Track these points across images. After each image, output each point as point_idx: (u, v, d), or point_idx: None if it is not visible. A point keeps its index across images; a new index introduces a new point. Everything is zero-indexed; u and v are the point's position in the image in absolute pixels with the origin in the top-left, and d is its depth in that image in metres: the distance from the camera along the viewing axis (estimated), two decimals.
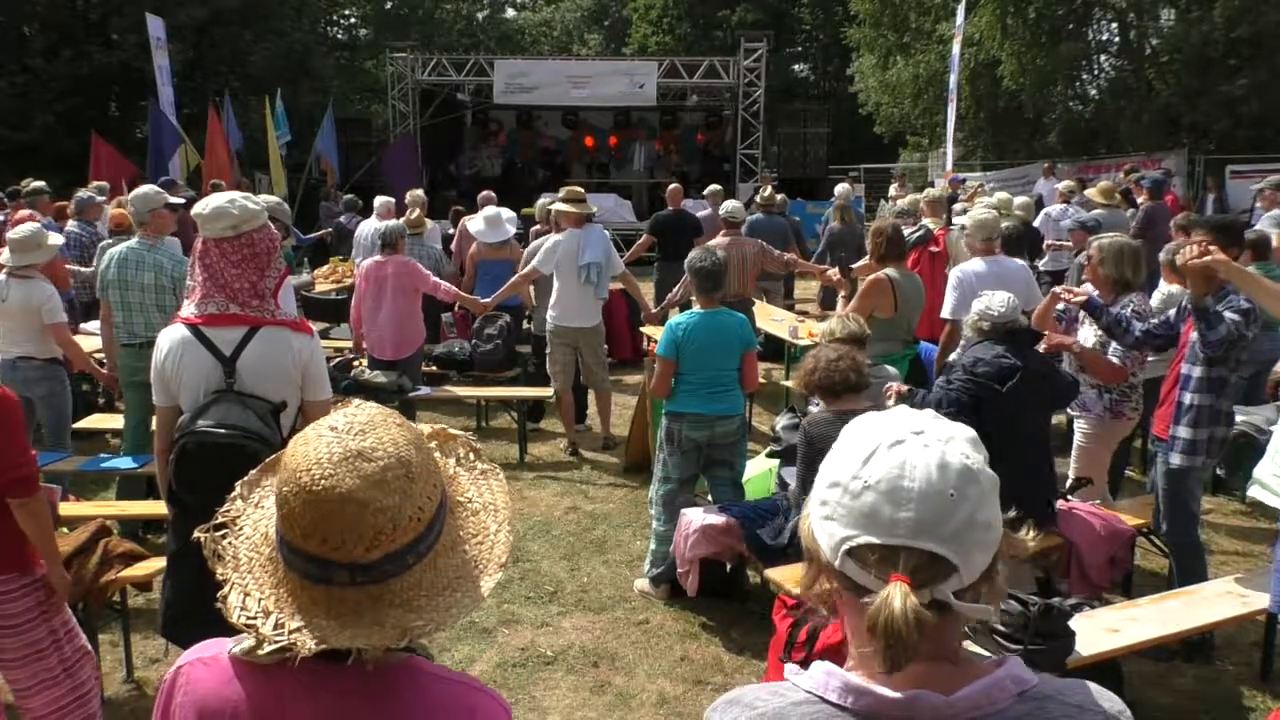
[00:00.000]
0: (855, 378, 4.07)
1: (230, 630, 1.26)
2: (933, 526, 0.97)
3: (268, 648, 1.16)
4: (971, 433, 1.05)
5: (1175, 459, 4.10)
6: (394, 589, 1.18)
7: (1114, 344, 4.57)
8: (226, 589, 1.22)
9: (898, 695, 0.97)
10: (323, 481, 1.15)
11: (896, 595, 0.94)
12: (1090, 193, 10.48)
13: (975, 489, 1.00)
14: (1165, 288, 5.40)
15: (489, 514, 1.34)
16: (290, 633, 1.15)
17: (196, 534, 1.27)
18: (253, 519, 1.30)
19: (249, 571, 1.24)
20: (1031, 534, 1.08)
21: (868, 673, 1.01)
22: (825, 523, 1.04)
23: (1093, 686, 1.07)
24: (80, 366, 5.60)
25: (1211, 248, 3.80)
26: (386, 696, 1.21)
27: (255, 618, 1.18)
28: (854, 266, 7.01)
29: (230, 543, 1.27)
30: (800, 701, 1.03)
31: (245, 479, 1.35)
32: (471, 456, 1.41)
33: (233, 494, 1.34)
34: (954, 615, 0.98)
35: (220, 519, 1.29)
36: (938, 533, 0.97)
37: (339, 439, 1.19)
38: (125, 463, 5.17)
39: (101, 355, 5.75)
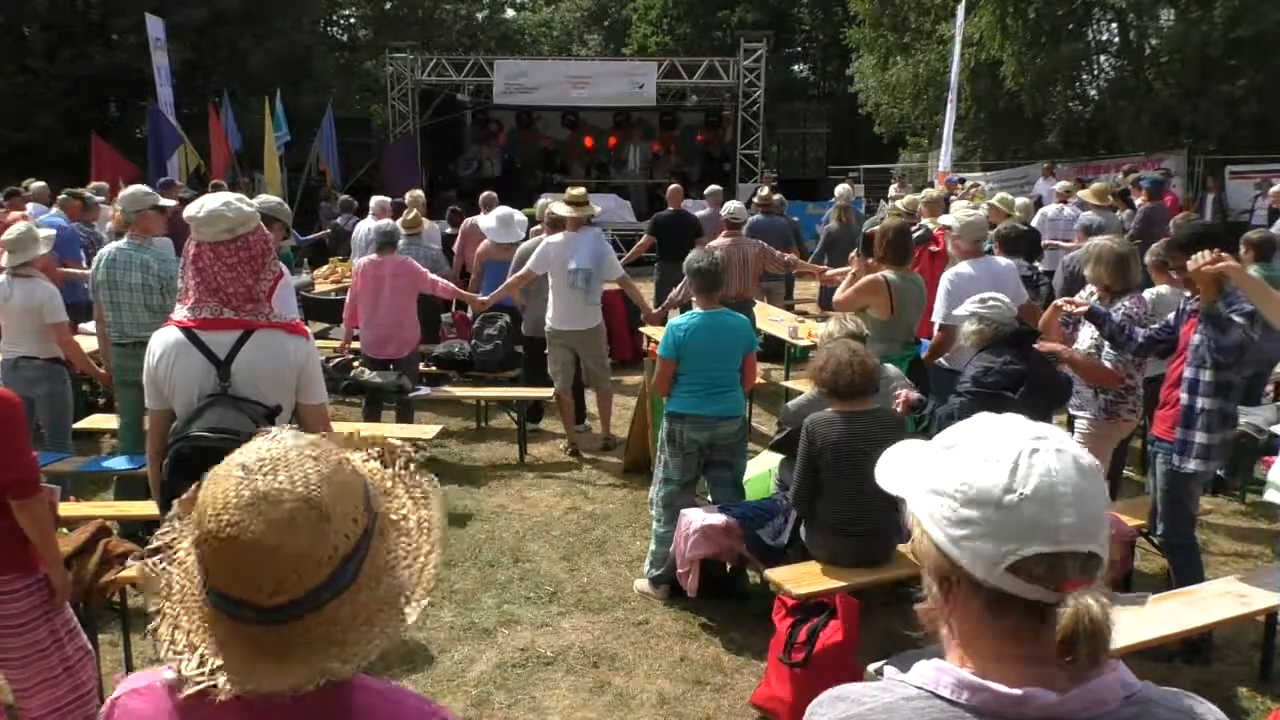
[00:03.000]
0: (863, 382, 4.07)
1: None
2: (1088, 526, 1.00)
3: (188, 689, 1.13)
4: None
5: (1191, 464, 4.09)
6: (309, 625, 1.14)
7: (1107, 347, 4.56)
8: (158, 620, 1.18)
9: (1013, 691, 0.98)
10: (229, 529, 1.11)
11: (1092, 601, 0.97)
12: (1083, 194, 10.51)
13: (1102, 484, 1.04)
14: (1155, 289, 5.41)
15: (422, 533, 1.28)
16: (211, 673, 1.13)
17: (130, 562, 1.26)
18: (187, 544, 1.25)
19: (180, 602, 1.20)
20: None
21: (978, 669, 1.02)
22: (974, 543, 1.00)
23: (1197, 697, 1.08)
24: (80, 366, 5.61)
25: (1224, 254, 3.82)
26: (333, 715, 1.17)
27: (180, 653, 1.15)
28: (870, 261, 6.90)
29: (166, 568, 1.22)
30: (912, 697, 1.03)
31: (182, 498, 1.28)
32: (410, 469, 1.35)
33: (169, 514, 1.29)
34: None
35: (156, 542, 1.25)
36: (1092, 531, 1.00)
37: (248, 479, 1.14)
38: (121, 463, 5.17)
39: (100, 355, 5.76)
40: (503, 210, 8.34)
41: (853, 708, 1.05)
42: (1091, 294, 4.76)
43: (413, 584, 1.23)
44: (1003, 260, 6.03)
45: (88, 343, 6.03)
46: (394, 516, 1.28)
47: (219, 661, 1.14)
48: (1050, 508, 0.98)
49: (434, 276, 6.98)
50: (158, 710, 1.19)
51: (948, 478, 1.04)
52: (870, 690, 1.07)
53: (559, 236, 6.85)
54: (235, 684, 1.11)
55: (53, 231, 5.76)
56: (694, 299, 4.98)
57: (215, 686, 1.12)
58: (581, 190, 7.10)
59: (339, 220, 11.88)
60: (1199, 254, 3.88)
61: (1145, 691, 1.03)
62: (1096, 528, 1.00)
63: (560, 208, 7.01)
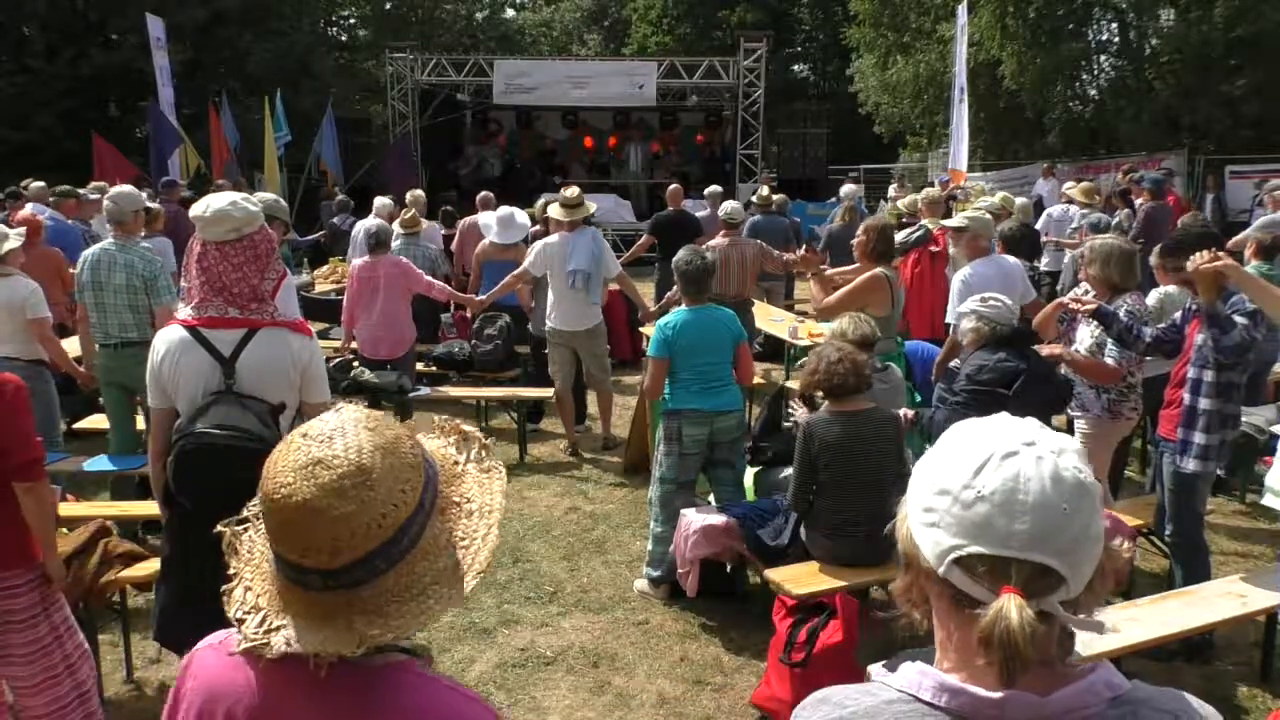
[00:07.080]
0: (854, 380, 4.08)
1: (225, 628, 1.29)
2: (1046, 539, 0.98)
3: (243, 645, 1.20)
4: (1079, 444, 1.06)
5: (1191, 464, 4.10)
6: (365, 595, 1.19)
7: (1109, 345, 4.56)
8: (235, 582, 1.25)
9: (992, 695, 0.98)
10: (281, 490, 1.17)
11: (1013, 609, 0.95)
12: (1071, 192, 10.53)
13: (1087, 502, 1.01)
14: (1161, 288, 5.41)
15: (482, 516, 1.33)
16: (267, 632, 1.18)
17: (219, 528, 1.30)
18: None
19: (256, 567, 1.26)
20: (1126, 545, 1.09)
21: (962, 673, 1.02)
22: (930, 530, 1.03)
23: (1189, 696, 1.06)
24: (61, 365, 5.57)
25: (1221, 254, 3.84)
26: (379, 697, 1.22)
27: (247, 614, 1.21)
28: (842, 270, 6.91)
29: (250, 536, 1.29)
30: (893, 700, 1.04)
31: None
32: (484, 455, 1.41)
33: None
34: (1056, 623, 1.00)
35: (246, 512, 1.31)
36: (1050, 545, 0.98)
37: (306, 445, 1.20)
38: (102, 463, 5.12)
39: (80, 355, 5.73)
40: (504, 210, 8.24)
41: (835, 710, 1.06)
42: (1087, 292, 4.77)
43: (467, 564, 1.27)
44: (1010, 259, 6.08)
45: (74, 344, 6.01)
46: (456, 499, 1.33)
47: (280, 622, 1.19)
48: (1005, 511, 0.98)
49: (429, 279, 6.97)
50: (231, 668, 1.25)
51: (930, 466, 1.07)
52: (853, 693, 1.07)
53: (555, 237, 6.85)
54: (289, 644, 1.17)
55: (23, 229, 5.68)
56: (682, 298, 5.00)
57: (268, 645, 1.17)
58: (575, 191, 7.08)
59: (335, 220, 11.84)
60: (1197, 254, 3.91)
61: (1134, 692, 1.02)
62: (1056, 541, 0.98)
63: (554, 210, 7.00)
